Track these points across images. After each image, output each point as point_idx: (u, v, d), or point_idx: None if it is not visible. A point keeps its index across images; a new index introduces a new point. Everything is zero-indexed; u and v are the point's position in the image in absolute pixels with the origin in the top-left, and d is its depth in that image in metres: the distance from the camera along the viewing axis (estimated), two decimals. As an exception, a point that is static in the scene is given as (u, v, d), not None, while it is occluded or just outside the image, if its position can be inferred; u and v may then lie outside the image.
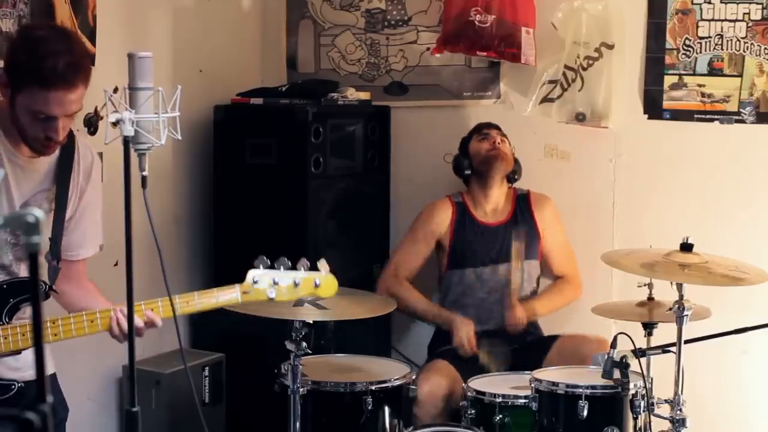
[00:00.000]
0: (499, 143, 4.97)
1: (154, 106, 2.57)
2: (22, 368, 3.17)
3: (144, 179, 2.57)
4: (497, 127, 5.07)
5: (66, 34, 3.16)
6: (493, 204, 5.01)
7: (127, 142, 2.51)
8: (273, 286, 3.21)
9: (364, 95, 5.52)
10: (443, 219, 5.00)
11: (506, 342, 4.77)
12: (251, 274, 3.22)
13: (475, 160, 5.01)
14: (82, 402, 4.67)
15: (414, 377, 4.20)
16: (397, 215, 5.58)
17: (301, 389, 3.80)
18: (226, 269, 5.22)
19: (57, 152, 3.21)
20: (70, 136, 3.23)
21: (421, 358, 5.09)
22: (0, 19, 4.23)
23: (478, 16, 5.16)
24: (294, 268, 3.24)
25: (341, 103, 5.35)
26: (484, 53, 5.27)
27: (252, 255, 5.12)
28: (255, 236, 5.04)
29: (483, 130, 5.07)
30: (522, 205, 5.03)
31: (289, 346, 3.70)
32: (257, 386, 4.39)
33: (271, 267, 3.23)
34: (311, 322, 3.72)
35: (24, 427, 1.29)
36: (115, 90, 2.62)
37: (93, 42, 4.66)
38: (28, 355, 3.17)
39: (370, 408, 4.00)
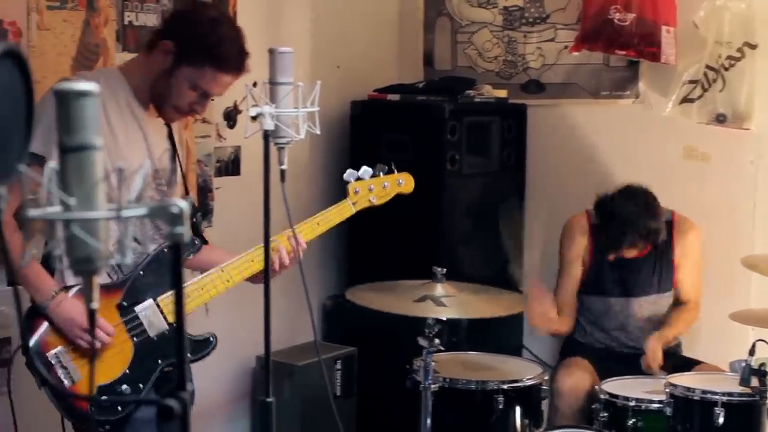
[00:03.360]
0: None
1: (294, 100, 2.60)
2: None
3: (283, 173, 2.60)
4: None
5: (232, 20, 3.31)
6: None
7: (267, 136, 2.53)
8: (370, 192, 3.59)
9: (500, 93, 5.49)
10: (582, 242, 4.83)
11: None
12: (351, 188, 3.55)
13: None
14: (216, 391, 4.75)
15: (546, 377, 4.16)
16: (531, 214, 5.53)
17: (432, 386, 3.79)
18: (360, 265, 5.28)
19: None
20: None
21: (553, 358, 5.04)
22: (145, 14, 4.33)
23: (617, 14, 5.09)
24: (375, 174, 3.59)
25: (478, 101, 5.33)
26: (623, 52, 5.20)
27: (385, 252, 5.20)
28: (389, 233, 5.06)
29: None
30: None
31: (422, 342, 3.70)
32: (389, 381, 4.40)
33: (358, 178, 3.58)
34: (444, 318, 3.72)
35: (164, 412, 1.31)
36: (254, 84, 2.65)
37: (234, 37, 4.73)
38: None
39: (501, 407, 3.97)
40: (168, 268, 3.14)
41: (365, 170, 3.57)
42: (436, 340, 3.70)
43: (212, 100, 3.35)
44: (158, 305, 3.18)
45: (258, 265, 3.28)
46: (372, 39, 5.71)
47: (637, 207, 4.54)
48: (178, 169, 3.41)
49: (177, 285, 1.29)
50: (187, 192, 3.52)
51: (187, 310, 3.17)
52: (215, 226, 4.70)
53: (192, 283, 3.24)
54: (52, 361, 3.09)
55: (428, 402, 3.79)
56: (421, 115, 5.08)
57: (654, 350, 4.50)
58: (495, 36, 5.71)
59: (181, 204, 1.28)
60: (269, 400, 2.55)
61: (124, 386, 3.12)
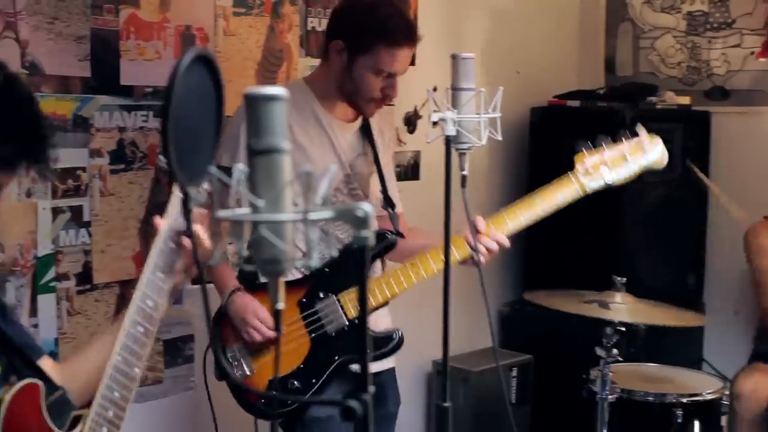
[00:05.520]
0: None
1: (476, 106, 2.59)
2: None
3: (464, 178, 2.59)
4: None
5: None
6: None
7: (448, 141, 2.53)
8: (604, 165, 3.15)
9: (683, 100, 5.39)
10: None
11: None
12: (579, 158, 3.17)
13: None
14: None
15: (727, 392, 4.05)
16: (714, 224, 5.41)
17: (609, 397, 3.73)
18: (538, 271, 5.25)
19: (358, 121, 3.38)
20: None
21: (734, 373, 4.91)
22: (327, 20, 4.39)
23: (808, 19, 4.95)
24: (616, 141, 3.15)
25: (660, 108, 5.24)
26: (813, 58, 5.05)
27: (564, 258, 5.15)
28: (567, 240, 5.02)
29: None
30: None
31: (600, 352, 3.65)
32: (564, 390, 4.36)
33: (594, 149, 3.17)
34: (623, 329, 3.66)
35: (347, 414, 1.33)
36: (435, 89, 2.65)
37: (414, 43, 4.76)
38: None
39: (679, 421, 3.89)
40: (353, 264, 3.19)
41: (602, 139, 3.18)
42: (614, 351, 3.65)
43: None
44: (339, 301, 3.20)
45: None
46: (552, 44, 5.67)
47: None
48: (375, 172, 3.43)
49: (361, 288, 1.30)
50: (386, 195, 3.50)
51: (374, 304, 3.20)
52: (393, 231, 4.73)
53: (376, 278, 3.23)
54: (229, 356, 3.19)
55: (604, 413, 3.74)
56: (601, 122, 5.02)
57: None
58: (678, 41, 5.60)
59: (366, 207, 1.29)
60: (446, 405, 2.55)
61: (296, 381, 3.16)
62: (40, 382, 2.11)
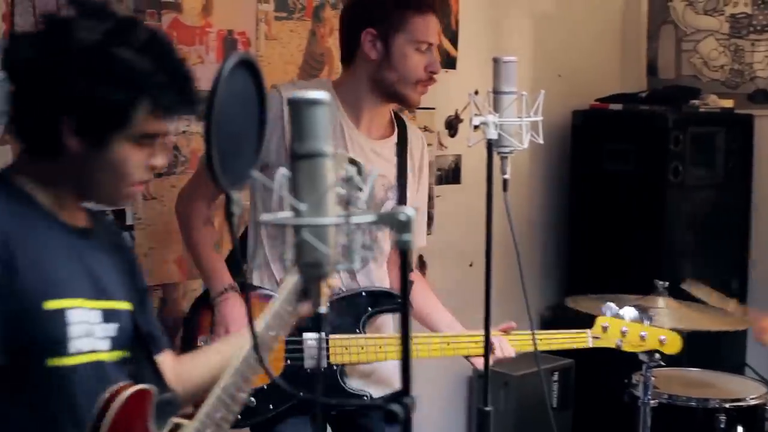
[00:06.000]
0: None
1: (517, 109, 2.58)
2: (373, 382, 3.22)
3: (505, 182, 2.58)
4: None
5: None
6: None
7: (490, 145, 2.53)
8: (621, 336, 3.31)
9: (726, 103, 5.36)
10: None
11: None
12: (600, 321, 3.30)
13: None
14: (432, 398, 4.77)
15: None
16: (758, 228, 5.37)
17: (651, 401, 3.71)
18: (580, 275, 5.23)
19: (395, 138, 3.27)
20: (401, 123, 3.31)
21: (777, 377, 4.88)
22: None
23: None
24: (639, 319, 3.32)
25: (702, 111, 5.22)
26: None
27: (606, 263, 5.13)
28: (609, 244, 5.00)
29: None
30: None
31: (642, 356, 3.62)
32: (606, 395, 4.34)
33: (616, 315, 3.32)
34: (665, 333, 3.64)
35: (389, 417, 1.33)
36: (476, 93, 2.65)
37: (455, 46, 4.77)
38: (382, 370, 3.23)
39: (722, 426, 3.86)
40: (353, 314, 3.13)
41: (629, 310, 3.33)
42: (657, 355, 3.63)
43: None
44: (327, 342, 3.06)
45: (450, 352, 3.19)
46: (594, 48, 5.65)
47: None
48: (391, 199, 3.28)
49: (404, 294, 1.30)
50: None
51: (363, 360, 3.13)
52: (435, 234, 4.73)
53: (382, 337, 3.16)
54: (199, 344, 3.11)
55: (646, 418, 3.72)
56: (644, 125, 5.00)
57: None
58: (721, 44, 5.57)
59: (409, 212, 1.29)
60: (487, 409, 2.55)
61: (254, 399, 2.93)
62: (152, 388, 2.10)
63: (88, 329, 2.10)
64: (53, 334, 2.04)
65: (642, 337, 3.32)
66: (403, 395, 1.34)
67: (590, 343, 3.31)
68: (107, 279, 2.19)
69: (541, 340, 3.28)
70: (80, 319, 2.08)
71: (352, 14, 3.25)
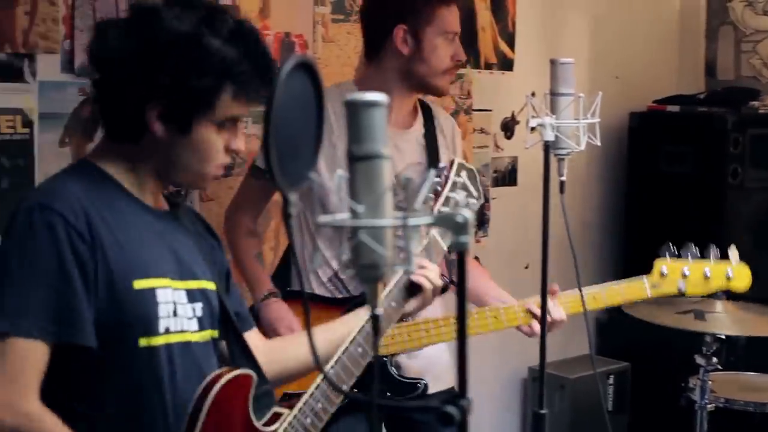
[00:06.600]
0: None
1: (574, 111, 2.58)
2: (425, 371, 3.20)
3: (562, 184, 2.58)
4: None
5: None
6: None
7: (547, 147, 2.52)
8: (683, 278, 3.07)
9: (785, 104, 5.30)
10: None
11: None
12: (658, 264, 3.09)
13: None
14: (487, 399, 4.77)
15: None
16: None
17: (708, 405, 3.69)
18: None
19: (421, 122, 3.26)
20: (425, 106, 3.30)
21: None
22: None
23: None
24: (702, 256, 3.11)
25: (762, 113, 5.16)
26: None
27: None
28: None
29: None
30: None
31: (699, 360, 3.60)
32: (662, 398, 4.32)
33: (677, 256, 3.11)
34: (723, 336, 3.61)
35: (445, 419, 1.33)
36: (533, 95, 2.64)
37: (512, 47, 4.76)
38: (436, 366, 3.23)
39: (781, 430, 3.83)
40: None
41: (689, 248, 3.11)
42: (714, 359, 3.60)
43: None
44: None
45: (499, 325, 3.05)
46: (651, 49, 5.61)
47: None
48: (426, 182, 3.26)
49: (460, 296, 1.31)
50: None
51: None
52: (491, 236, 4.73)
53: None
54: None
55: (703, 422, 3.69)
56: (702, 127, 4.97)
57: None
58: (781, 45, 5.52)
59: (467, 214, 1.30)
60: (543, 412, 2.54)
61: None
62: (253, 374, 2.13)
63: (176, 309, 2.12)
64: (144, 314, 2.06)
65: (706, 276, 3.07)
66: (459, 397, 1.34)
67: (649, 294, 3.06)
68: (191, 259, 2.21)
69: (592, 297, 3.05)
70: (168, 298, 2.10)
71: (379, 10, 3.24)
